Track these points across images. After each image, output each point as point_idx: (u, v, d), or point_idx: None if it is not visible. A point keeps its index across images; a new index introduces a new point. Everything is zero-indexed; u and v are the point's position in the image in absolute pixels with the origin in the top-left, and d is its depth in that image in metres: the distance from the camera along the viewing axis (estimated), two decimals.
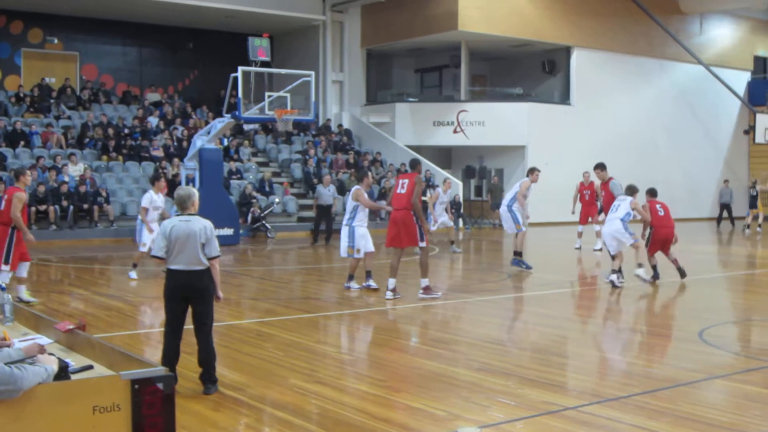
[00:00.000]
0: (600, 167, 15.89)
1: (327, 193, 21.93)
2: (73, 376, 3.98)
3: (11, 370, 3.43)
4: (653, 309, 12.29)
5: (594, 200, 19.86)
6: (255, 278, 15.23)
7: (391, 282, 12.06)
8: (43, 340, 4.90)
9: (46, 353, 4.07)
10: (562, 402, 6.69)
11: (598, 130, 31.67)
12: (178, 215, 7.07)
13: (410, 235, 11.96)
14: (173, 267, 6.91)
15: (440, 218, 19.42)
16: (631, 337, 9.98)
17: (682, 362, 8.33)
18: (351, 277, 13.19)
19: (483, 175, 31.20)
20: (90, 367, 4.28)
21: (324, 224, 22.16)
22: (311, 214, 26.24)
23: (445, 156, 32.66)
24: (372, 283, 13.04)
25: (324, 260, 18.85)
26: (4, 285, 5.54)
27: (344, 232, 13.04)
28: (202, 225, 6.94)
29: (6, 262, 11.08)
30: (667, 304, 12.74)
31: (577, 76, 31.93)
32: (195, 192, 7.12)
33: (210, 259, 6.93)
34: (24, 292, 11.51)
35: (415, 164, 12.47)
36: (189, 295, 6.94)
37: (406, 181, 12.10)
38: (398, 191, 12.12)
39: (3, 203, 11.15)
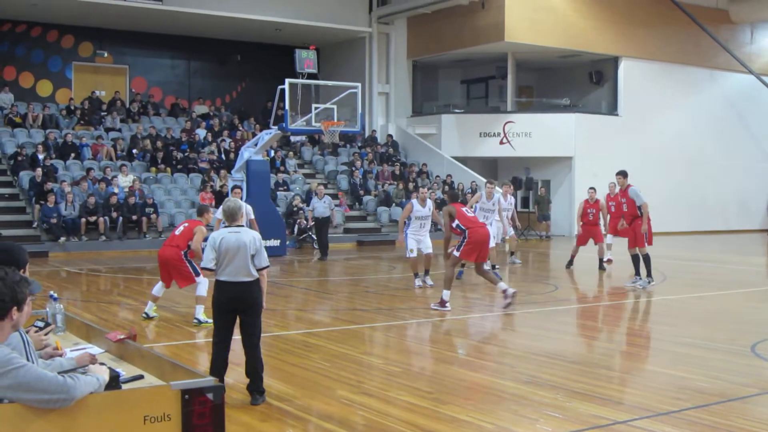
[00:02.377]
0: (622, 174, 15.52)
1: (323, 205, 20.99)
2: (124, 386, 4.01)
3: (64, 380, 3.47)
4: (704, 322, 12.07)
5: (597, 220, 17.75)
6: (301, 289, 15.28)
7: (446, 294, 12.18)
8: (95, 349, 4.95)
9: (97, 363, 4.12)
10: (611, 416, 6.59)
11: (646, 141, 31.31)
12: (226, 227, 7.14)
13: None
14: (222, 278, 6.98)
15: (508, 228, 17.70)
16: (681, 350, 9.82)
17: (734, 376, 8.17)
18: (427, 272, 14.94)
19: (529, 186, 31.01)
20: (140, 377, 4.31)
21: (321, 237, 21.18)
22: (358, 225, 26.36)
23: (491, 167, 32.53)
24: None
25: (371, 271, 18.86)
26: (56, 295, 5.61)
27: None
28: (251, 236, 7.01)
29: (197, 274, 11.12)
30: (718, 316, 12.51)
31: (624, 87, 31.62)
32: (243, 204, 7.27)
33: (259, 269, 7.00)
34: (201, 313, 11.10)
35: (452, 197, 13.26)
36: (238, 306, 6.98)
37: (464, 208, 12.71)
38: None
39: (181, 229, 11.32)
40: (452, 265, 12.28)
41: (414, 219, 14.80)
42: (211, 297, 7.29)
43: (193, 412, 3.71)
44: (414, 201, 14.97)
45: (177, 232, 11.32)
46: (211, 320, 10.95)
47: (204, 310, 10.83)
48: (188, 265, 11.15)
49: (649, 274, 14.84)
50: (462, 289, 14.53)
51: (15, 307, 3.62)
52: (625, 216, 15.25)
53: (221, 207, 11.15)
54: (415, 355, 9.69)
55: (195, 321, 10.96)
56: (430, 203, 15.07)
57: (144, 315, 11.47)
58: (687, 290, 14.97)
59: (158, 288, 11.51)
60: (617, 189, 15.71)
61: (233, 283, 6.95)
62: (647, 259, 14.72)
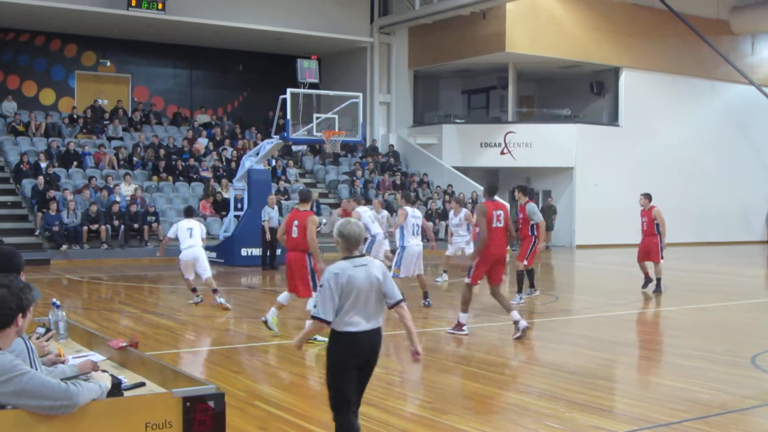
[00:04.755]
0: (647, 197, 16.13)
1: (276, 214, 20.56)
2: (126, 393, 4.03)
3: (67, 386, 3.50)
4: (704, 333, 12.07)
5: (653, 229, 16.48)
6: (300, 298, 15.26)
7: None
8: (96, 356, 4.97)
9: (99, 370, 4.14)
10: (611, 427, 6.60)
11: (647, 152, 31.36)
12: (346, 259, 5.35)
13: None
14: (351, 329, 5.27)
15: None
16: (681, 361, 9.82)
17: (734, 388, 8.18)
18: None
19: (530, 197, 31.01)
20: (142, 384, 4.34)
21: (269, 248, 20.55)
22: None
23: (492, 177, 32.54)
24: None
25: None
26: (58, 302, 5.63)
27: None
28: (380, 268, 5.39)
29: (315, 289, 10.20)
30: (718, 328, 12.51)
31: (625, 97, 31.68)
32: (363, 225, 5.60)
33: (397, 303, 5.42)
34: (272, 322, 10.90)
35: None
36: (370, 360, 5.41)
37: (501, 212, 11.06)
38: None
39: (296, 230, 10.63)
40: (470, 288, 11.10)
41: (408, 225, 13.44)
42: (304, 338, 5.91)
43: (194, 419, 3.73)
44: (407, 207, 13.62)
45: (294, 234, 10.62)
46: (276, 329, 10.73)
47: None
48: (310, 274, 10.61)
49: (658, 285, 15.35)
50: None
51: (20, 314, 3.65)
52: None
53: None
54: (416, 365, 9.68)
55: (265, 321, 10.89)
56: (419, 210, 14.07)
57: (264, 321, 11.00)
58: (687, 302, 14.98)
59: (285, 296, 10.88)
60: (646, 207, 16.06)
61: (368, 333, 5.34)
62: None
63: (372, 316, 5.33)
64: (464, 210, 17.43)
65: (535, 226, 14.06)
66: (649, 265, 16.00)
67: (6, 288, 3.61)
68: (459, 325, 11.08)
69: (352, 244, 5.34)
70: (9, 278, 3.69)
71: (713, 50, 31.65)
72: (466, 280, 11.02)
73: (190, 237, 13.72)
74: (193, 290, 13.98)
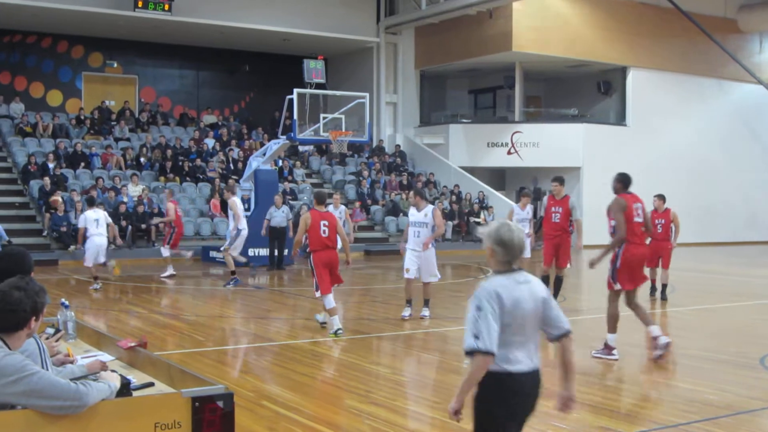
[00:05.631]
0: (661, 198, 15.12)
1: (280, 215, 20.37)
2: (135, 393, 4.05)
3: (77, 387, 3.51)
4: (712, 334, 12.04)
5: (668, 234, 15.51)
6: (308, 298, 15.29)
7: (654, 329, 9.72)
8: (105, 357, 4.99)
9: (108, 370, 4.15)
10: (619, 427, 6.59)
11: (654, 152, 31.28)
12: (505, 273, 4.15)
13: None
14: (510, 369, 4.06)
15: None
16: (689, 362, 9.80)
17: (743, 389, 8.15)
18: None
19: (537, 196, 30.97)
20: (151, 384, 4.35)
21: (276, 248, 20.48)
22: (365, 235, 26.37)
23: (498, 177, 32.54)
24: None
25: (378, 281, 18.87)
26: (67, 302, 5.65)
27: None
28: (542, 285, 4.26)
29: (316, 288, 11.01)
30: (726, 329, 12.48)
31: (633, 97, 31.62)
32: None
33: (565, 334, 4.26)
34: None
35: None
36: (534, 406, 4.25)
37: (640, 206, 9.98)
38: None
39: (327, 230, 10.97)
40: (614, 301, 9.73)
41: (409, 226, 12.33)
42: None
43: (203, 419, 3.74)
44: (411, 207, 12.54)
45: (325, 234, 10.95)
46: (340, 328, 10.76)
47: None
48: (312, 271, 11.08)
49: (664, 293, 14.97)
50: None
51: (33, 317, 3.67)
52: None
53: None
54: (423, 365, 9.69)
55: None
56: (429, 207, 12.23)
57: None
58: (695, 302, 14.95)
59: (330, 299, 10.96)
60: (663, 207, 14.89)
61: (532, 375, 4.14)
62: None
63: (534, 352, 4.16)
64: (531, 205, 16.33)
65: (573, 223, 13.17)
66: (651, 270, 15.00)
67: (22, 291, 3.64)
68: (608, 348, 9.51)
69: (514, 255, 4.15)
70: (25, 280, 3.71)
71: (721, 49, 31.57)
72: (617, 287, 9.56)
73: (97, 227, 15.56)
74: (95, 278, 15.67)
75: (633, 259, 9.48)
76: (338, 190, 21.47)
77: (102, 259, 15.83)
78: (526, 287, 4.11)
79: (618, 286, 9.48)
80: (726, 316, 13.28)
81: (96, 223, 15.57)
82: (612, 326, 9.49)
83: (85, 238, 15.71)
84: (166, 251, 18.39)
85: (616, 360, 9.33)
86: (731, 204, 33.19)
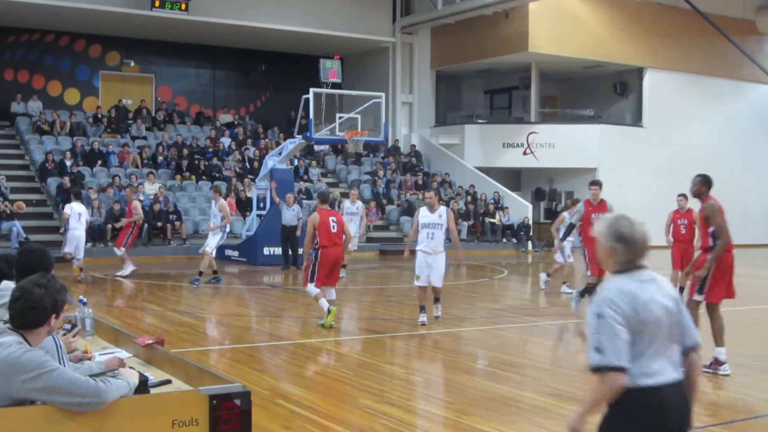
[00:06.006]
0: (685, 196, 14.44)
1: (291, 213, 20.25)
2: (152, 390, 4.07)
3: (96, 383, 3.53)
4: (730, 337, 11.96)
5: (691, 235, 14.75)
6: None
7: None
8: (123, 354, 5.01)
9: (126, 367, 4.18)
10: None
11: (671, 153, 31.13)
12: (626, 273, 3.58)
13: None
14: (650, 383, 3.45)
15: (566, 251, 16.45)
16: (706, 365, 9.74)
17: (761, 393, 8.11)
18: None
19: (553, 197, 30.92)
20: (168, 382, 4.37)
21: (290, 246, 20.36)
22: (380, 234, 26.39)
23: (514, 178, 32.49)
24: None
25: (393, 281, 18.87)
26: (85, 299, 5.68)
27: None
28: (670, 284, 3.70)
29: (311, 280, 11.38)
30: (745, 331, 12.41)
31: (649, 98, 31.50)
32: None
33: (696, 347, 3.67)
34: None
35: None
36: (688, 422, 3.59)
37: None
38: None
39: (336, 226, 11.37)
40: (695, 308, 9.04)
41: (420, 228, 11.72)
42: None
43: (220, 417, 3.75)
44: (422, 208, 11.92)
45: (335, 230, 11.28)
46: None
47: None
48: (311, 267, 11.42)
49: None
50: (484, 300, 14.49)
51: (54, 315, 3.70)
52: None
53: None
54: (438, 365, 9.69)
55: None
56: (443, 209, 11.77)
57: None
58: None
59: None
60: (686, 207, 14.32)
61: (677, 387, 3.53)
62: None
63: (676, 360, 3.56)
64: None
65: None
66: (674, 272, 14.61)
67: (44, 288, 3.67)
68: (717, 363, 8.82)
69: (637, 252, 3.57)
70: (47, 278, 3.74)
71: (738, 50, 31.34)
72: (699, 298, 9.06)
73: (78, 221, 16.32)
74: (80, 269, 16.41)
75: (729, 268, 9.14)
76: (354, 188, 21.61)
77: (80, 255, 16.43)
78: (654, 286, 3.55)
79: (700, 298, 8.87)
80: (744, 319, 13.20)
81: (78, 216, 16.37)
82: (721, 339, 8.90)
83: (66, 229, 16.75)
84: (120, 251, 17.74)
85: (728, 375, 8.69)
86: (749, 206, 32.96)
